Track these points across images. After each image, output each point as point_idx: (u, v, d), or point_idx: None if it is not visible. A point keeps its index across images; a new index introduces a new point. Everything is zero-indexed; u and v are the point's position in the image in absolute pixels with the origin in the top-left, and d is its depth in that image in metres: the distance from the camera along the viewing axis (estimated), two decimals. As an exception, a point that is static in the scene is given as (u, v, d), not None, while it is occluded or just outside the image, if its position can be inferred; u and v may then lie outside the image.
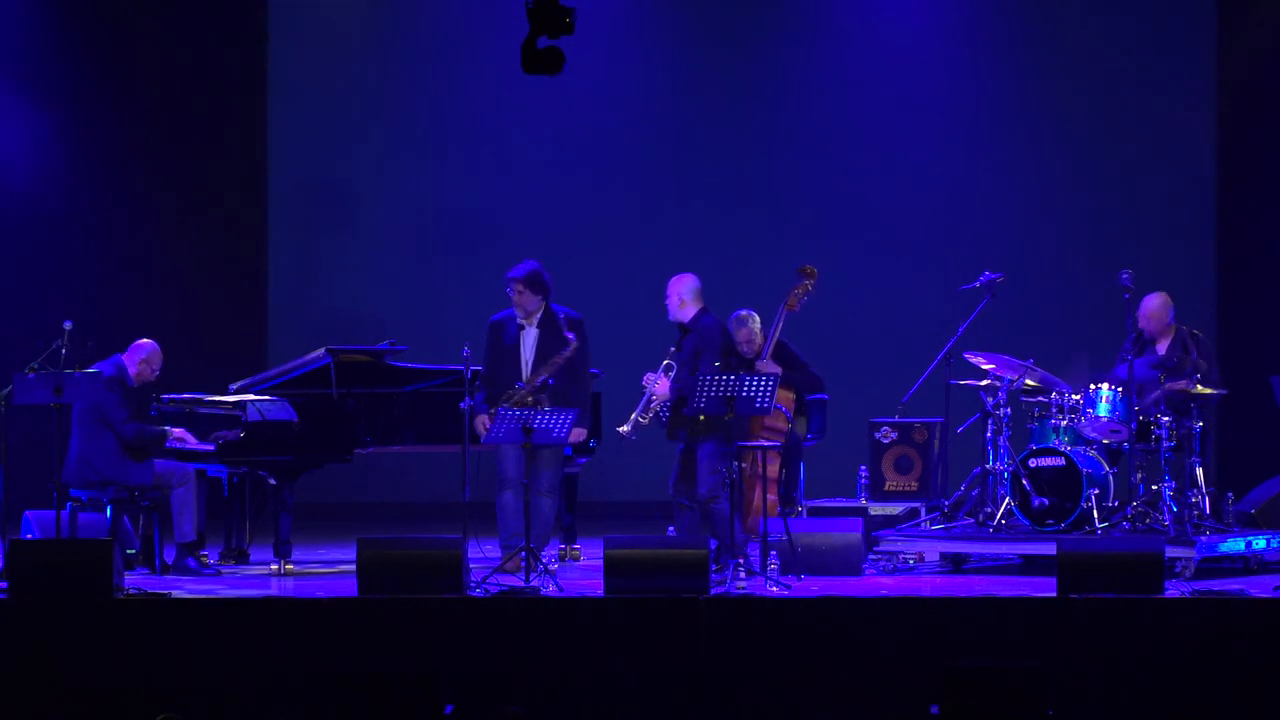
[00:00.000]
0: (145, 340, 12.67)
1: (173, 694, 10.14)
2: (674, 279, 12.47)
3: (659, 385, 12.26)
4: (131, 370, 12.49)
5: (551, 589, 11.04)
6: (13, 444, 11.88)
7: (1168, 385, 12.55)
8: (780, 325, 13.10)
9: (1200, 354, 12.77)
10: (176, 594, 10.96)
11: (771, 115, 17.49)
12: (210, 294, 17.23)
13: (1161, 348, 12.86)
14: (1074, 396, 12.64)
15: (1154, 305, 12.84)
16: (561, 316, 12.45)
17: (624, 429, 12.30)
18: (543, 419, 11.48)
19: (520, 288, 12.48)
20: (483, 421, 12.37)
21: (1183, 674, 10.05)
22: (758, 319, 12.97)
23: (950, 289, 13.55)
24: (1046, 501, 12.40)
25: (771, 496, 12.37)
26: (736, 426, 11.86)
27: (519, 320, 12.53)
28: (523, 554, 11.44)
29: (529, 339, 12.50)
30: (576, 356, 12.43)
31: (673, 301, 12.43)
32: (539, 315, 12.49)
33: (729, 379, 11.52)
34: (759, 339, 12.86)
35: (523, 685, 10.15)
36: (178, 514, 12.43)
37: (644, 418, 12.28)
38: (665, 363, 12.33)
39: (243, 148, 17.51)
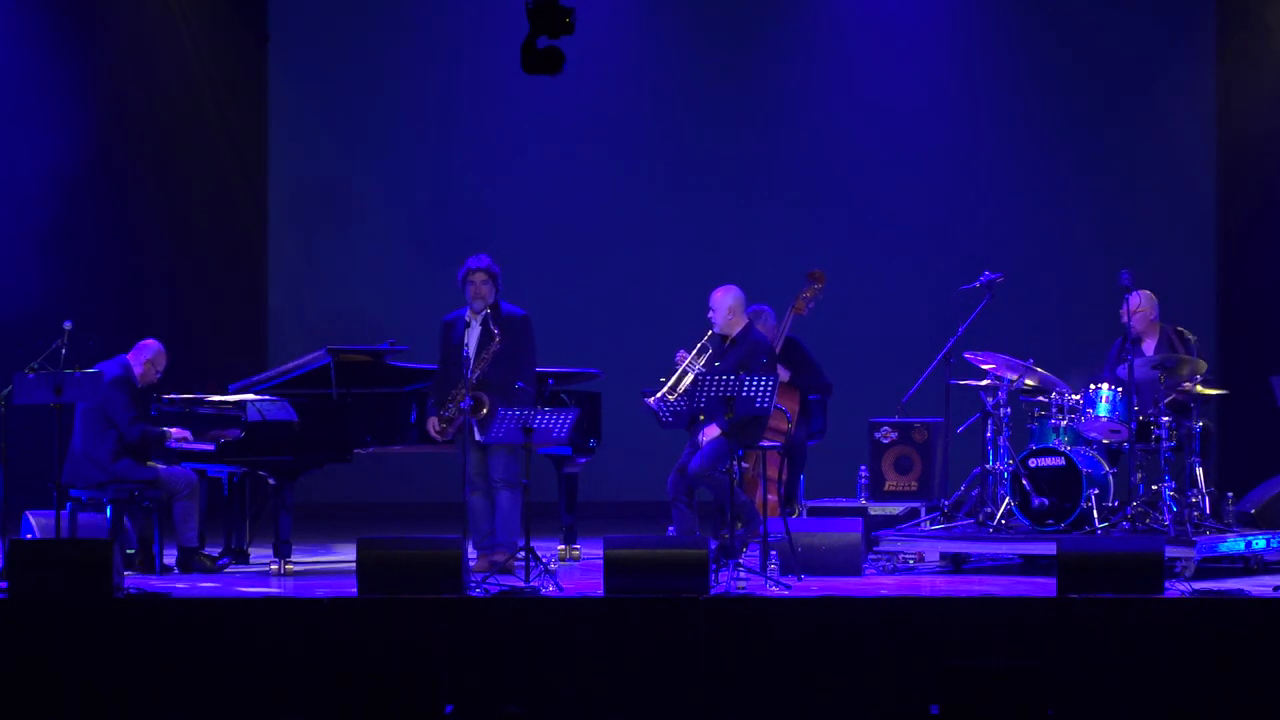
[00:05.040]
0: (150, 340, 12.68)
1: (173, 694, 10.14)
2: (721, 290, 12.35)
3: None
4: (137, 370, 12.50)
5: (551, 589, 11.04)
6: (13, 444, 11.88)
7: (1173, 397, 12.54)
8: (787, 329, 13.14)
9: (1191, 352, 12.76)
10: (176, 594, 10.96)
11: (771, 117, 17.51)
12: (210, 294, 17.24)
13: (1148, 346, 12.87)
14: (1074, 396, 12.64)
15: (1138, 301, 12.83)
16: (505, 313, 12.43)
17: (651, 400, 12.22)
18: (543, 419, 11.48)
19: (484, 277, 12.45)
20: (433, 424, 12.36)
21: (1183, 674, 10.04)
22: (771, 314, 13.00)
23: (950, 289, 13.55)
24: (1046, 501, 12.40)
25: (772, 497, 12.38)
26: (755, 428, 11.90)
27: (466, 318, 12.50)
28: (520, 554, 11.44)
29: (473, 336, 12.44)
30: (516, 352, 12.35)
31: (722, 315, 12.29)
32: (485, 312, 12.45)
33: (729, 379, 11.52)
34: (772, 335, 12.90)
35: (523, 685, 10.15)
36: (180, 521, 12.46)
37: (672, 395, 12.20)
38: (691, 359, 12.24)
39: (243, 148, 17.52)
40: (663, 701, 10.16)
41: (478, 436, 12.21)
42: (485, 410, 12.07)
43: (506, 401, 12.04)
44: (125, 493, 12.31)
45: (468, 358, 12.29)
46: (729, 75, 17.56)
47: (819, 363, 13.15)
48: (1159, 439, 12.33)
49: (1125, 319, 12.73)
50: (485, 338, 12.38)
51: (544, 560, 11.44)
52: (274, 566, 12.51)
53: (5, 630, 10.31)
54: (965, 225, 17.19)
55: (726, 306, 12.33)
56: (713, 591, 10.64)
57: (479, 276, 12.45)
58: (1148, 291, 12.89)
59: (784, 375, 12.76)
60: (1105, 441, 12.67)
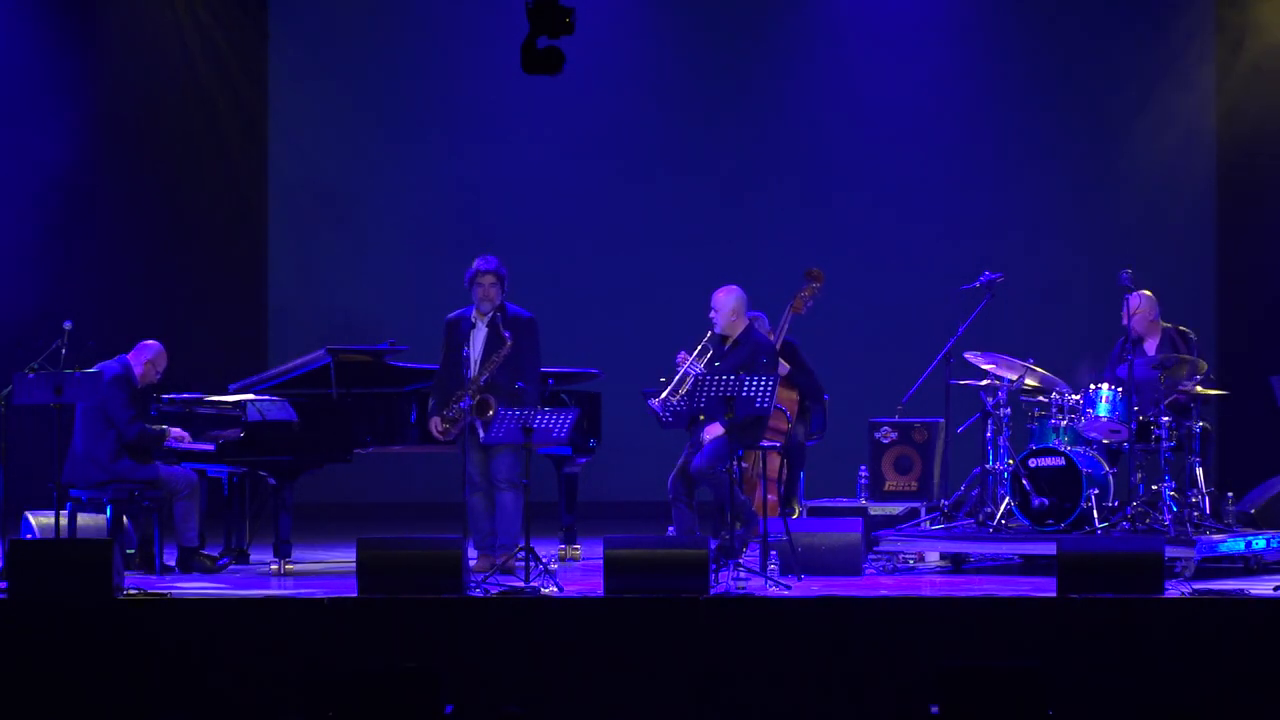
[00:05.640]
0: (151, 341, 12.68)
1: (173, 694, 10.14)
2: (724, 291, 12.29)
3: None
4: (137, 370, 12.50)
5: (551, 589, 11.04)
6: (13, 444, 11.88)
7: (1173, 398, 12.53)
8: (785, 328, 13.14)
9: (1192, 351, 12.75)
10: (176, 594, 10.96)
11: (771, 117, 17.50)
12: (210, 294, 17.24)
13: (1150, 346, 12.86)
14: (1074, 396, 12.64)
15: (1138, 302, 12.81)
16: (511, 315, 12.41)
17: (653, 401, 12.22)
18: (543, 419, 11.47)
19: (493, 279, 12.42)
20: (435, 424, 12.37)
21: (1183, 674, 10.04)
22: (765, 321, 13.00)
23: (950, 289, 13.55)
24: (1046, 501, 12.40)
25: (772, 497, 12.38)
26: (757, 428, 11.90)
27: (472, 318, 12.48)
28: (520, 554, 11.44)
29: (478, 337, 12.40)
30: (520, 355, 12.34)
31: (724, 316, 12.25)
32: (491, 314, 12.43)
33: (729, 380, 11.51)
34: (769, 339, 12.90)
35: (523, 685, 10.14)
36: (181, 520, 12.46)
37: (674, 397, 12.19)
38: (692, 360, 12.22)
39: (243, 147, 17.52)
40: (663, 701, 10.16)
41: (481, 438, 12.19)
42: (491, 412, 12.03)
43: (512, 404, 12.04)
44: (125, 493, 12.31)
45: (469, 358, 12.28)
46: (729, 75, 17.56)
47: (813, 368, 13.15)
48: (1159, 439, 12.32)
49: (1125, 320, 12.72)
50: (493, 340, 12.35)
51: (544, 560, 11.44)
52: (274, 566, 12.51)
53: (5, 630, 10.31)
54: (965, 225, 17.18)
55: (729, 308, 12.30)
56: (713, 591, 10.64)
57: (488, 279, 12.42)
58: (1148, 292, 12.88)
59: (783, 369, 12.76)
60: (1105, 441, 12.67)
